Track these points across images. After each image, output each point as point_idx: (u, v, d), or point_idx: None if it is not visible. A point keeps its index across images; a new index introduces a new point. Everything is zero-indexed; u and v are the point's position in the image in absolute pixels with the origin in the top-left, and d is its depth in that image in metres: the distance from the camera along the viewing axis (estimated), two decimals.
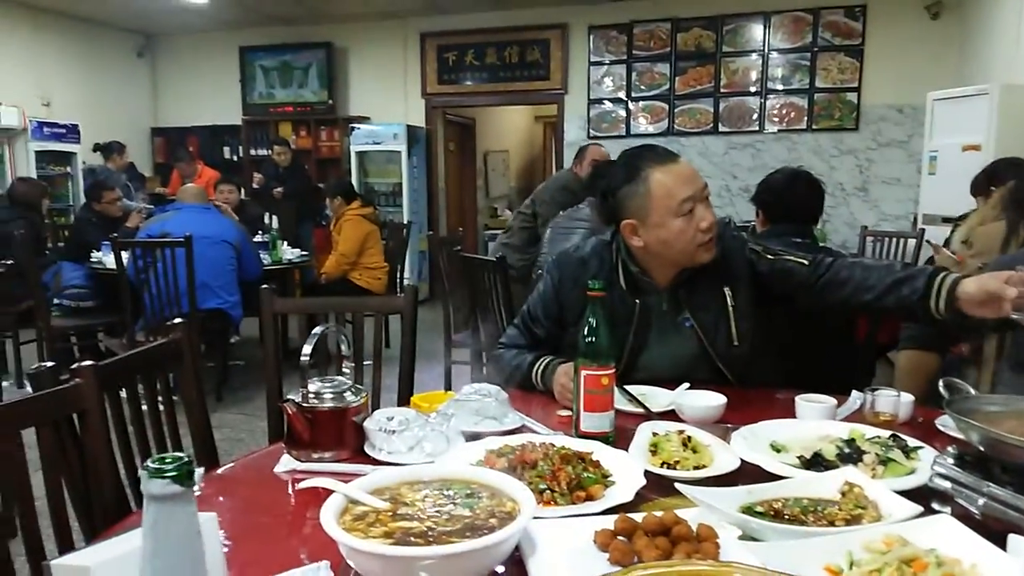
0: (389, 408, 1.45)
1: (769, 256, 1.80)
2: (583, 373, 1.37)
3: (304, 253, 5.69)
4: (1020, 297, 1.38)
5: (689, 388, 1.69)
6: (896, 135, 6.87)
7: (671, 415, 1.58)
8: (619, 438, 1.39)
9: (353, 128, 8.07)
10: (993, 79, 5.09)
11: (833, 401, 1.55)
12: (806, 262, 1.76)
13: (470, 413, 1.47)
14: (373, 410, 1.43)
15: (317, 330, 1.34)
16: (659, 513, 0.98)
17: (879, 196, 6.99)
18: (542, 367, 1.74)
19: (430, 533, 0.90)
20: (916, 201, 5.97)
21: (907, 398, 1.51)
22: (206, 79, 8.90)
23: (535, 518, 1.02)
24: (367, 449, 1.35)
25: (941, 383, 1.17)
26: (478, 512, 0.95)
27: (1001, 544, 0.91)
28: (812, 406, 1.53)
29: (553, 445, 1.25)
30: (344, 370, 1.47)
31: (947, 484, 1.09)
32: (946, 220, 4.48)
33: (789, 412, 1.54)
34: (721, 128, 7.37)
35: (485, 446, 1.28)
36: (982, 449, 1.07)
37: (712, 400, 1.58)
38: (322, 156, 8.52)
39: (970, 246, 2.75)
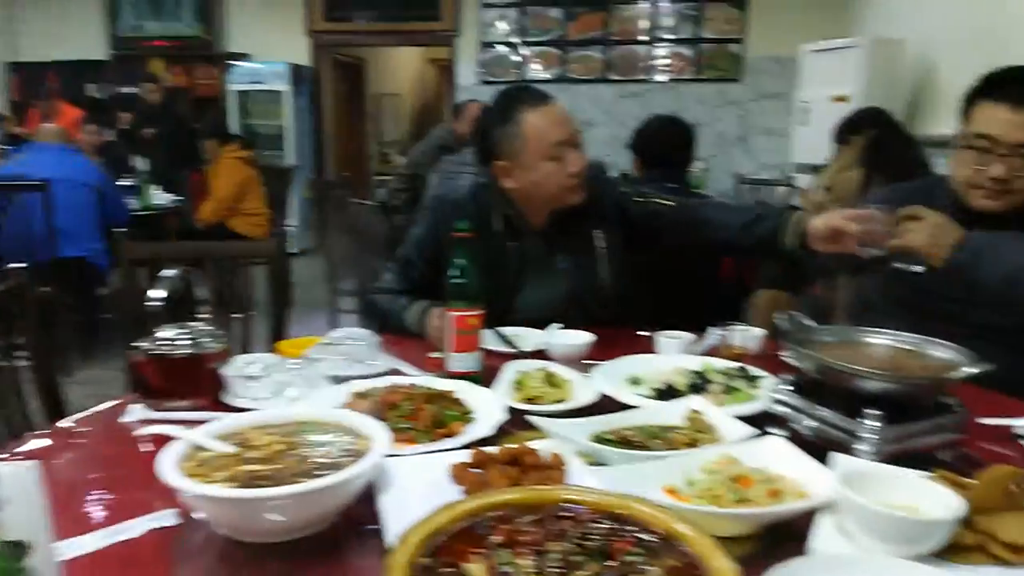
0: (251, 355, 1.41)
1: (638, 199, 1.85)
2: (452, 315, 1.37)
3: (178, 198, 5.39)
4: (863, 233, 1.48)
5: (560, 328, 1.73)
6: (774, 87, 7.14)
7: (542, 354, 1.62)
8: (489, 378, 1.41)
9: (232, 66, 7.63)
10: (866, 32, 5.35)
11: (690, 336, 1.62)
12: (673, 203, 1.83)
13: (339, 357, 1.45)
14: None
15: (166, 273, 1.28)
16: (514, 446, 1.01)
17: (758, 146, 7.28)
18: (419, 310, 1.74)
19: (278, 475, 0.89)
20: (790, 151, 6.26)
21: (757, 332, 1.61)
22: (69, 10, 8.13)
23: (393, 456, 1.03)
24: (226, 398, 1.31)
25: (783, 317, 1.25)
26: (330, 452, 0.94)
27: (826, 461, 0.99)
28: (670, 342, 1.60)
29: (417, 386, 1.25)
30: (202, 316, 1.41)
31: (784, 408, 1.18)
32: (815, 169, 4.73)
33: (652, 349, 1.61)
34: (612, 76, 7.44)
35: (349, 389, 1.27)
36: (816, 376, 1.15)
37: (578, 339, 1.62)
38: (199, 95, 8.01)
39: (830, 192, 2.92)
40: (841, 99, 4.81)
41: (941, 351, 1.15)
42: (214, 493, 0.82)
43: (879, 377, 1.06)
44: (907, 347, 1.19)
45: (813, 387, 1.15)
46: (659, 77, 7.36)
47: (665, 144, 2.65)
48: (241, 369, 1.32)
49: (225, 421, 1.00)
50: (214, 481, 0.85)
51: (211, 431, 0.97)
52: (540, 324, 1.77)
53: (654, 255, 2.01)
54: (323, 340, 1.49)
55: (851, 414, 1.07)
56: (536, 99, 1.73)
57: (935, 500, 0.87)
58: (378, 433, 0.96)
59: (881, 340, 1.21)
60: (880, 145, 2.67)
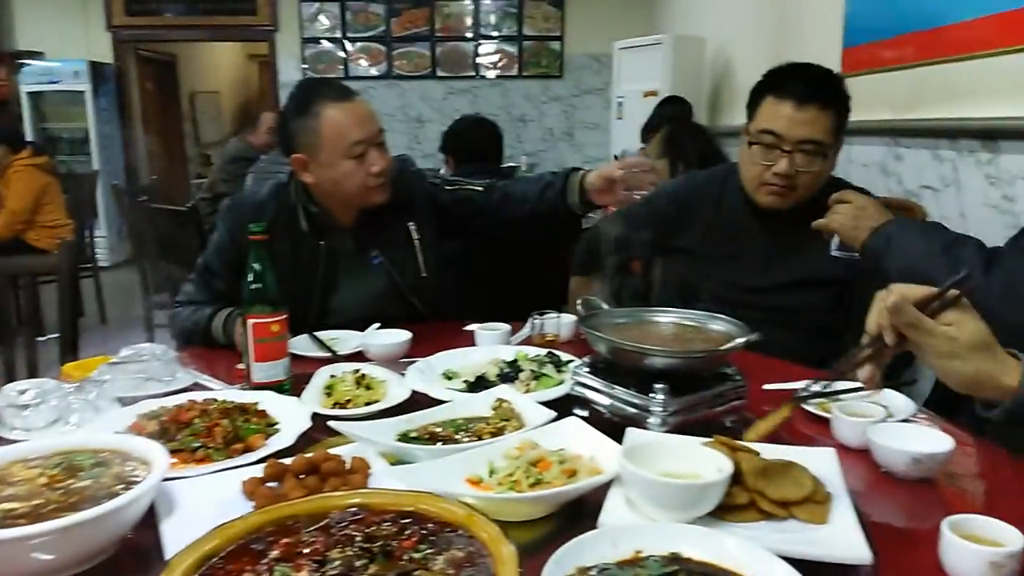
0: (25, 381, 1.27)
1: (448, 187, 1.87)
2: (250, 322, 1.31)
3: None
4: (628, 178, 1.58)
5: (380, 327, 1.71)
6: (594, 83, 7.47)
7: (361, 356, 1.58)
8: (302, 385, 1.36)
9: (23, 65, 6.88)
10: (670, 30, 5.71)
11: (506, 327, 1.66)
12: (481, 188, 1.86)
13: (129, 376, 1.35)
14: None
15: None
16: (311, 455, 0.98)
17: (583, 140, 7.59)
18: (223, 318, 1.64)
19: (40, 511, 0.80)
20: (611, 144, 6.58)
21: (567, 319, 1.67)
22: None
23: (180, 478, 0.97)
24: None
25: (579, 302, 1.30)
26: (104, 481, 0.87)
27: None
28: (487, 334, 1.62)
29: (215, 400, 1.19)
30: None
31: (583, 390, 1.23)
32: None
33: (473, 342, 1.63)
34: (439, 72, 7.45)
35: (137, 411, 1.18)
36: (609, 356, 1.20)
37: (396, 337, 1.60)
38: None
39: None
40: (651, 93, 5.11)
41: (719, 324, 1.25)
42: None
43: (661, 353, 1.13)
44: (690, 323, 1.27)
45: (608, 367, 1.21)
46: (486, 73, 7.47)
47: (475, 140, 2.73)
48: (11, 398, 1.18)
49: None
50: None
51: None
52: (362, 323, 1.74)
53: (489, 246, 2.04)
54: (112, 360, 1.37)
55: (642, 390, 1.13)
56: (338, 94, 1.67)
57: (711, 464, 0.94)
58: (157, 456, 0.89)
59: (667, 318, 1.29)
60: (676, 139, 2.88)
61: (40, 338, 2.04)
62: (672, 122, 2.98)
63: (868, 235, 1.49)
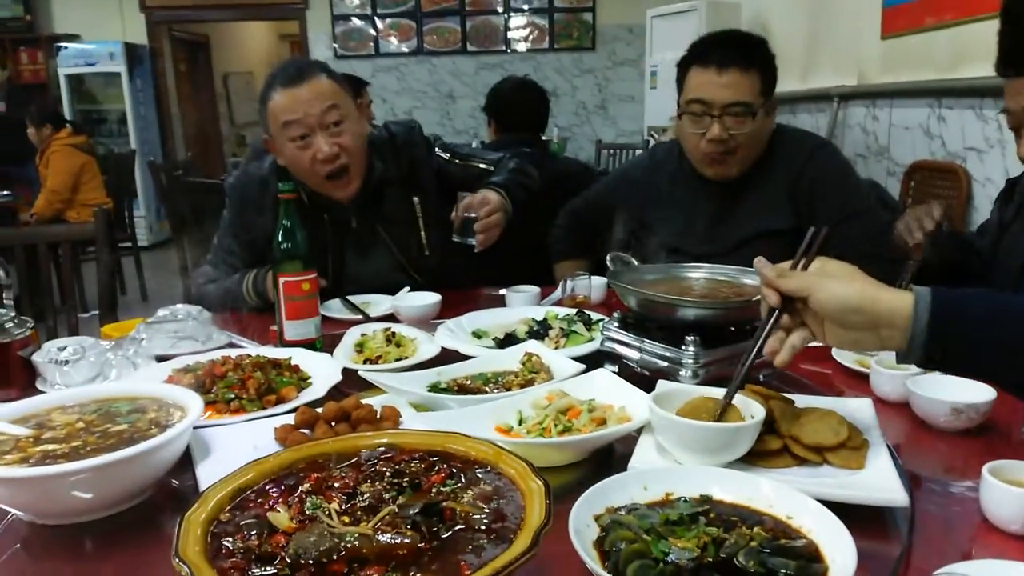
0: (65, 339, 1.30)
1: (458, 161, 1.84)
2: (281, 280, 1.32)
3: (5, 193, 4.91)
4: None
5: (411, 290, 1.71)
6: (628, 54, 7.36)
7: (392, 319, 1.59)
8: (334, 345, 1.37)
9: (60, 48, 7.01)
10: None
11: (536, 289, 1.65)
12: (491, 165, 1.84)
13: (166, 335, 1.37)
14: None
15: None
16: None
17: (616, 113, 7.50)
18: (252, 277, 1.66)
19: (79, 452, 0.82)
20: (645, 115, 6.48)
21: (599, 281, 1.65)
22: None
23: (215, 426, 0.99)
24: (40, 386, 1.21)
25: (608, 257, 1.28)
26: (140, 425, 0.89)
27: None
28: (517, 295, 1.62)
29: (249, 356, 1.20)
30: (6, 301, 1.29)
31: (614, 345, 1.22)
32: (664, 131, 4.92)
33: (504, 305, 1.63)
34: (470, 47, 7.41)
35: (172, 366, 1.20)
36: (640, 311, 1.19)
37: (427, 299, 1.61)
38: (24, 82, 7.32)
39: None
40: None
41: (751, 279, 1.22)
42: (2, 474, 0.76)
43: (692, 304, 1.11)
44: (722, 278, 1.26)
45: (638, 322, 1.20)
46: (517, 47, 7.41)
47: (520, 106, 2.64)
48: (52, 354, 1.21)
49: (19, 403, 0.92)
50: (3, 464, 0.78)
51: (4, 414, 0.89)
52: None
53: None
54: (148, 320, 1.40)
55: (673, 343, 1.12)
56: (289, 78, 1.62)
57: (744, 411, 0.93)
58: (191, 402, 0.91)
59: (698, 273, 1.27)
60: None
61: (83, 314, 2.09)
62: None
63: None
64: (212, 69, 9.01)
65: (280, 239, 1.32)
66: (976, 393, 1.02)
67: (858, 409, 0.98)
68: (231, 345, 1.42)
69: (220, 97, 9.20)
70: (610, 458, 0.97)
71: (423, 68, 7.41)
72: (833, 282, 0.85)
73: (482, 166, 1.84)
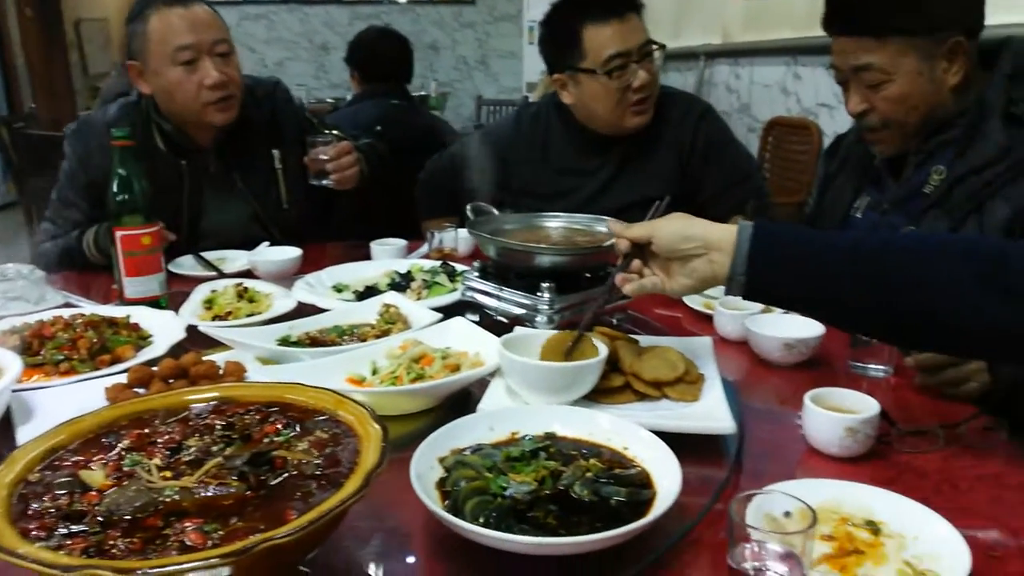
0: None
1: (326, 130, 1.78)
2: (119, 234, 1.23)
3: None
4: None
5: (270, 245, 1.65)
6: (507, 9, 7.27)
7: (249, 275, 1.52)
8: (182, 302, 1.30)
9: None
10: None
11: (402, 242, 1.63)
12: (352, 138, 1.78)
13: None
14: None
15: None
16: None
17: (498, 69, 7.43)
18: (94, 231, 1.55)
19: None
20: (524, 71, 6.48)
21: (466, 233, 1.64)
22: None
23: (38, 388, 0.92)
24: None
25: (468, 207, 1.28)
26: None
27: None
28: (382, 248, 1.59)
29: (83, 315, 1.12)
30: None
31: (474, 294, 1.22)
32: (533, 86, 4.95)
33: (368, 259, 1.59)
34: None
35: None
36: (498, 259, 1.19)
37: (286, 254, 1.55)
38: None
39: None
40: None
41: (605, 226, 1.25)
42: None
43: (549, 252, 1.12)
44: (578, 226, 1.27)
45: (498, 271, 1.21)
46: None
47: (383, 55, 2.56)
48: None
49: None
50: None
51: None
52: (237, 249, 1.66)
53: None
54: None
55: (530, 290, 1.13)
56: None
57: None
58: (8, 363, 0.84)
59: (556, 223, 1.29)
60: None
61: None
62: None
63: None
64: (62, 15, 8.22)
65: (116, 189, 1.23)
66: (807, 329, 1.09)
67: (700, 347, 1.03)
68: (68, 305, 1.32)
69: (72, 46, 8.42)
70: (467, 405, 0.97)
71: (294, 17, 7.05)
72: (671, 221, 0.90)
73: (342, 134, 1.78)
